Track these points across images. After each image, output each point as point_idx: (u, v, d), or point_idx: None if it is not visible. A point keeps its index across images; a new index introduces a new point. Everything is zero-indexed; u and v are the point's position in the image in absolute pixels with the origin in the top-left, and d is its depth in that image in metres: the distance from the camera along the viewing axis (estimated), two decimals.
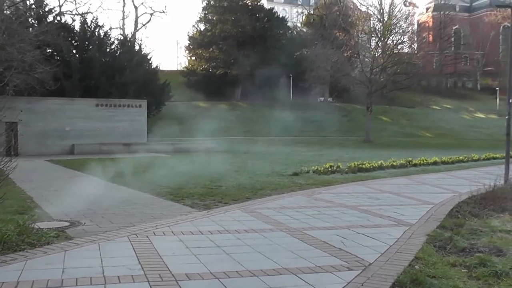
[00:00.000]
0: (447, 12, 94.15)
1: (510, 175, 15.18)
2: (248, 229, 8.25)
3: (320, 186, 14.73)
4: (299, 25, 78.19)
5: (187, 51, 70.05)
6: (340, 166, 19.17)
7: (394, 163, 21.43)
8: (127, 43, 48.75)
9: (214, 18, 66.31)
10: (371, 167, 19.90)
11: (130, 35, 59.25)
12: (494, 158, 27.51)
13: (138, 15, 69.26)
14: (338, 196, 12.60)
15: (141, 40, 65.40)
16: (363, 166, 19.70)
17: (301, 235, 7.91)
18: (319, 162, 21.51)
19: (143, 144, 33.16)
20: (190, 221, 8.93)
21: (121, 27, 67.19)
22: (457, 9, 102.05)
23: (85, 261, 6.14)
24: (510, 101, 17.05)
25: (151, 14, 67.16)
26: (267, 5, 79.76)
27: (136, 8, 69.49)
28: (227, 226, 8.49)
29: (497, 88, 74.30)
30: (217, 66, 65.17)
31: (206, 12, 67.74)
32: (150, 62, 50.12)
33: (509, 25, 20.38)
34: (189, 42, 69.09)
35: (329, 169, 18.61)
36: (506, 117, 16.86)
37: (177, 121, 47.04)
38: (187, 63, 71.51)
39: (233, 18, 64.36)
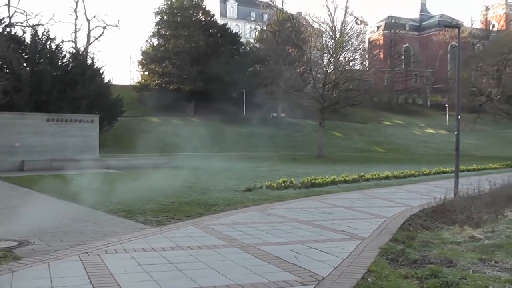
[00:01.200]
0: (397, 30, 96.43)
1: (460, 188, 15.53)
2: (201, 245, 8.19)
3: (273, 201, 14.75)
4: (252, 41, 78.65)
5: (140, 66, 69.51)
6: (293, 182, 19.24)
7: (347, 178, 21.64)
8: (79, 56, 48.10)
9: (168, 33, 66.11)
10: (324, 182, 20.05)
11: (82, 49, 58.54)
12: (444, 172, 28.08)
13: (91, 28, 68.33)
14: (292, 211, 12.64)
15: (93, 54, 64.30)
16: (316, 181, 19.84)
17: (255, 250, 7.90)
18: (272, 177, 21.56)
19: (95, 160, 32.52)
20: (142, 238, 8.81)
21: (73, 40, 65.95)
22: (407, 28, 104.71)
23: (33, 282, 5.97)
24: (459, 117, 17.54)
25: (104, 28, 66.27)
26: (220, 21, 80.00)
27: (88, 21, 68.63)
28: (180, 242, 8.41)
29: (446, 105, 76.18)
30: (170, 81, 64.84)
31: (159, 27, 67.51)
32: (102, 76, 49.53)
33: (456, 44, 21.10)
34: (142, 57, 68.62)
35: (282, 184, 18.66)
36: (455, 132, 17.34)
37: (130, 137, 46.62)
38: (140, 78, 70.91)
39: (186, 34, 64.28)
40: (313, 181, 19.76)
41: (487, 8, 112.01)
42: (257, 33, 77.61)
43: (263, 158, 39.62)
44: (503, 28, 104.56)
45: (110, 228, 9.90)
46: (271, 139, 53.54)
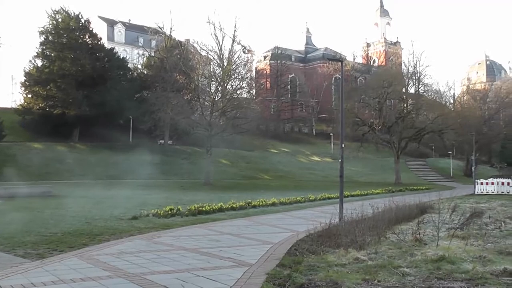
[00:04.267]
0: (283, 61, 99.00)
1: (344, 213, 16.07)
2: (84, 278, 7.91)
3: (160, 229, 14.58)
4: (140, 66, 77.70)
5: (23, 88, 66.32)
6: (180, 209, 19.11)
7: (234, 205, 21.79)
8: None
9: (53, 54, 63.63)
10: (211, 209, 20.08)
11: None
12: (329, 198, 28.95)
13: None
14: (178, 239, 12.53)
15: None
16: (203, 208, 19.83)
17: (140, 280, 7.74)
18: (159, 205, 21.26)
19: None
20: (21, 273, 8.36)
21: None
22: (293, 59, 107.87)
23: None
24: (343, 145, 18.25)
25: None
26: (107, 45, 78.42)
27: None
28: (62, 275, 8.07)
29: (331, 134, 78.88)
30: (54, 105, 62.31)
31: (44, 47, 64.92)
32: None
33: (340, 76, 22.08)
34: (25, 78, 65.50)
35: (169, 212, 18.49)
36: (339, 160, 17.98)
37: (11, 163, 44.35)
38: (22, 101, 67.65)
39: (72, 56, 62.28)
40: (200, 208, 19.74)
41: (368, 45, 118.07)
42: (145, 59, 76.78)
43: (150, 186, 39.03)
44: (383, 63, 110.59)
45: None
46: (158, 167, 52.86)
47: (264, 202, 24.18)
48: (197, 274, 8.29)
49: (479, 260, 9.96)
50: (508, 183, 41.99)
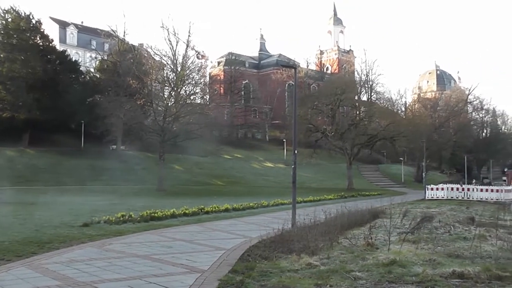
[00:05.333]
0: (237, 67, 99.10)
1: (297, 218, 16.16)
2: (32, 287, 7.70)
3: (111, 236, 14.37)
4: (92, 70, 76.46)
5: None
6: (132, 216, 18.88)
7: (187, 211, 21.67)
8: None
9: (2, 56, 61.95)
10: (164, 215, 19.92)
11: None
12: (282, 204, 29.05)
13: None
14: (130, 246, 12.38)
15: None
16: (156, 214, 19.65)
17: None
18: (111, 211, 20.92)
19: None
20: None
21: None
22: (247, 65, 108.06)
23: None
24: (296, 151, 18.37)
25: None
26: (59, 47, 77.09)
27: None
28: (9, 286, 7.85)
29: (284, 140, 79.18)
30: (3, 109, 60.71)
31: None
32: None
33: (293, 83, 22.36)
34: None
35: (121, 218, 18.24)
36: (292, 166, 18.09)
37: None
38: None
39: (22, 58, 60.80)
40: (153, 214, 19.56)
41: (321, 52, 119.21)
42: (97, 62, 75.63)
43: (102, 192, 38.43)
44: (336, 71, 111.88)
45: None
46: (110, 172, 52.10)
47: (217, 208, 24.13)
48: (149, 281, 8.19)
49: (429, 263, 10.18)
50: (458, 189, 43.07)
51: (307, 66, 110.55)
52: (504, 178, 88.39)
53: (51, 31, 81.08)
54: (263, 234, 13.28)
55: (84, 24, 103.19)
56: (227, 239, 14.16)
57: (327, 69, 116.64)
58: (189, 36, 50.88)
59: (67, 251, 11.63)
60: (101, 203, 28.51)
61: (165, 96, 52.53)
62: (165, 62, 53.31)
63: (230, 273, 8.98)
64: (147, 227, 16.89)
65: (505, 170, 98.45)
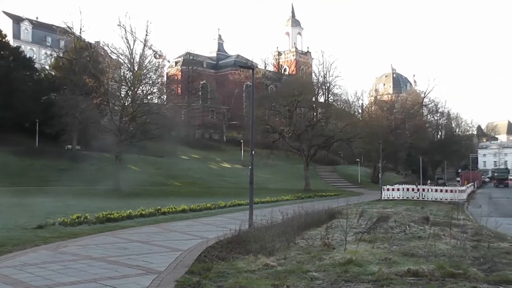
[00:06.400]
0: (195, 67, 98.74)
1: (254, 219, 16.18)
2: None
3: (66, 238, 14.11)
4: (47, 67, 74.92)
5: None
6: (88, 217, 18.59)
7: (143, 212, 21.49)
8: None
9: None
10: (120, 216, 19.69)
11: None
12: (239, 205, 29.05)
13: None
14: (85, 248, 12.19)
15: None
16: (112, 216, 19.40)
17: None
18: (66, 213, 20.54)
19: None
20: None
21: None
22: (205, 65, 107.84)
23: None
24: (253, 152, 18.39)
25: None
26: (13, 43, 75.44)
27: None
28: None
29: (241, 141, 79.34)
30: None
31: None
32: None
33: (251, 84, 22.42)
34: None
35: (76, 220, 17.94)
36: (250, 167, 18.09)
37: None
38: None
39: None
40: (109, 216, 19.32)
41: (279, 53, 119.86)
42: (53, 59, 74.17)
43: (56, 193, 37.68)
44: (294, 72, 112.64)
45: None
46: (65, 173, 51.24)
47: (174, 209, 24.00)
48: (104, 283, 8.08)
49: (385, 262, 10.33)
50: (413, 189, 43.93)
51: (265, 67, 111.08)
52: (458, 178, 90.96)
53: (5, 26, 79.41)
54: (220, 235, 13.25)
55: (39, 20, 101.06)
56: (184, 240, 14.10)
57: (284, 70, 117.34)
58: (146, 35, 50.38)
59: (20, 255, 11.37)
60: (56, 205, 27.96)
61: (122, 95, 51.87)
62: (122, 61, 52.66)
63: (187, 274, 8.94)
64: (103, 229, 16.65)
65: (459, 171, 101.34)
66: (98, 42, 65.98)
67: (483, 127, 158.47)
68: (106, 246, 12.70)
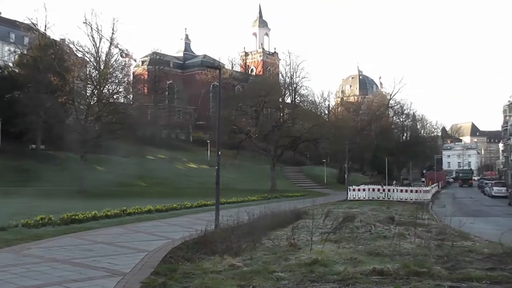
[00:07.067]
0: (161, 67, 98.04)
1: (221, 220, 16.20)
2: None
3: (30, 241, 13.88)
4: (11, 64, 73.43)
5: None
6: (52, 218, 18.31)
7: (109, 213, 21.31)
8: None
9: None
10: (85, 218, 19.47)
11: None
12: (205, 205, 29.02)
13: None
14: (50, 251, 12.02)
15: None
16: (77, 217, 19.17)
17: None
18: (29, 214, 20.18)
19: None
20: None
21: None
22: (171, 65, 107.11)
23: None
24: (220, 153, 18.40)
25: None
26: None
27: None
28: None
29: (208, 141, 79.00)
30: None
31: None
32: None
33: (217, 84, 22.54)
34: None
35: (40, 221, 17.66)
36: (216, 167, 18.09)
37: None
38: None
39: None
40: (74, 217, 19.09)
41: (246, 54, 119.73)
42: (16, 56, 72.77)
43: (20, 194, 37.06)
44: (260, 73, 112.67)
45: None
46: (29, 173, 50.41)
47: (139, 210, 23.86)
48: (68, 286, 8.00)
49: (351, 261, 10.44)
50: (378, 189, 44.49)
51: (232, 67, 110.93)
52: (423, 179, 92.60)
53: None
54: (186, 236, 13.23)
55: (2, 16, 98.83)
56: (149, 240, 14.03)
57: (251, 70, 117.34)
58: (112, 33, 49.98)
59: None
60: (19, 206, 27.48)
61: (88, 94, 51.29)
62: (88, 59, 52.13)
63: (152, 275, 8.91)
64: (67, 230, 16.44)
65: (424, 171, 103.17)
66: (63, 40, 64.97)
67: (447, 128, 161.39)
68: (70, 248, 12.55)
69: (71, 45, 55.50)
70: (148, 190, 49.83)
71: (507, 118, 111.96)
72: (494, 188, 60.59)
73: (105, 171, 59.28)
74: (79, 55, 53.51)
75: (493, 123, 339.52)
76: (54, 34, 64.00)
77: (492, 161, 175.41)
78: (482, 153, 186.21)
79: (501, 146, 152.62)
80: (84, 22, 48.98)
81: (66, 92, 53.95)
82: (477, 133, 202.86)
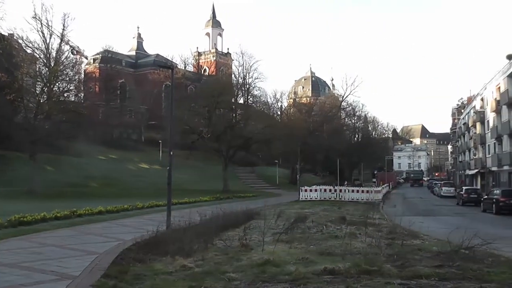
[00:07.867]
0: (113, 65, 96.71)
1: (172, 220, 16.15)
2: None
3: None
4: None
5: None
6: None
7: (58, 215, 20.97)
8: None
9: None
10: (34, 219, 19.10)
11: None
12: (157, 206, 28.89)
13: None
14: None
15: None
16: (25, 219, 18.78)
17: None
18: None
19: None
20: None
21: None
22: (124, 64, 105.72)
23: None
24: (172, 153, 18.34)
25: None
26: None
27: None
28: None
29: (160, 141, 78.40)
30: None
31: None
32: None
33: (170, 84, 22.45)
34: None
35: None
36: (168, 167, 18.03)
37: None
38: None
39: None
40: (22, 219, 18.69)
41: (199, 54, 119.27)
42: None
43: None
44: (213, 73, 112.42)
45: None
46: None
47: (90, 211, 23.56)
48: None
49: (302, 261, 10.57)
50: (330, 190, 45.04)
51: (185, 67, 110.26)
52: (374, 179, 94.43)
53: None
54: (137, 237, 13.16)
55: None
56: (100, 242, 13.87)
57: (204, 71, 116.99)
58: (63, 29, 49.07)
59: None
60: None
61: (37, 92, 50.21)
62: (37, 56, 51.01)
63: (102, 277, 8.82)
64: (15, 233, 16.08)
65: (375, 172, 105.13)
66: (11, 35, 63.42)
67: (398, 130, 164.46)
68: (18, 251, 12.29)
69: (20, 41, 54.24)
70: (99, 191, 49.16)
71: (456, 120, 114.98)
72: (443, 188, 62.30)
73: (55, 171, 58.15)
74: (29, 51, 52.27)
75: (443, 125, 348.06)
76: (2, 28, 61.89)
77: (441, 162, 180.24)
78: (432, 154, 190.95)
79: (450, 148, 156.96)
80: (33, 17, 47.91)
81: (14, 90, 52.62)
82: (427, 135, 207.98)
